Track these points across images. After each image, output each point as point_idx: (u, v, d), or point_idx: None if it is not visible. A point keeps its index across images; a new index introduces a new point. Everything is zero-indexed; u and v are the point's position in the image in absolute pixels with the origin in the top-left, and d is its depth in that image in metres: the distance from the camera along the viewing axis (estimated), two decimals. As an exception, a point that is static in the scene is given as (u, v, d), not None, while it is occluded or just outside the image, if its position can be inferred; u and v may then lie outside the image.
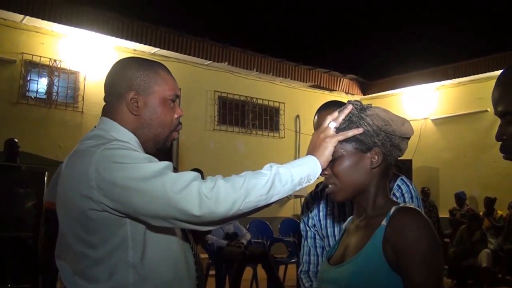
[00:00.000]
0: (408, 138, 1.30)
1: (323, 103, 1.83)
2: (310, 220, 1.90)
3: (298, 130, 10.91)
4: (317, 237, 1.88)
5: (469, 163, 9.42)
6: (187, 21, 10.14)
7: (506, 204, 7.94)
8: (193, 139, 9.14)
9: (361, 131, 1.25)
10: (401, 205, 1.22)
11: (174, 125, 1.49)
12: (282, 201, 10.25)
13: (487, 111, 9.04)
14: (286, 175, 1.24)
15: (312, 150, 1.29)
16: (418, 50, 12.49)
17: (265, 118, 10.49)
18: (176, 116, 1.49)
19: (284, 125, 10.73)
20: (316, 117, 1.78)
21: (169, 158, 8.47)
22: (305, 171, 1.25)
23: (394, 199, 1.68)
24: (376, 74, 11.69)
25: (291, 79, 10.56)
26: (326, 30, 15.25)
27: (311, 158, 1.27)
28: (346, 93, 11.49)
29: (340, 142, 1.26)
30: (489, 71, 9.02)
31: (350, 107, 1.29)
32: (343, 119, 1.28)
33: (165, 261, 1.38)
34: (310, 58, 10.91)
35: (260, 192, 1.21)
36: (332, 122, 1.29)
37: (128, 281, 1.31)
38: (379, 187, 1.28)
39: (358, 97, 11.44)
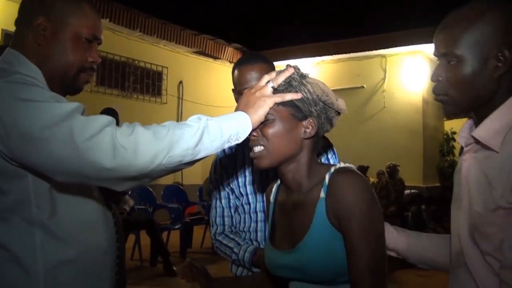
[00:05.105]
0: (339, 114, 1.25)
1: (241, 59, 1.72)
2: (225, 178, 1.79)
3: (181, 97, 10.68)
4: (231, 196, 1.79)
5: (344, 136, 10.05)
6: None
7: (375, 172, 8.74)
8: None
9: (299, 97, 1.17)
10: (332, 169, 1.17)
11: (84, 67, 1.30)
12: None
13: (363, 87, 9.75)
14: (216, 130, 1.11)
15: (245, 107, 1.18)
16: (302, 24, 12.93)
17: (147, 82, 10.06)
18: (90, 59, 1.30)
19: (166, 91, 10.42)
20: (236, 71, 1.67)
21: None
22: (235, 127, 1.14)
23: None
24: (260, 45, 11.85)
25: (176, 43, 10.22)
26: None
27: (243, 114, 1.16)
28: (230, 62, 11.48)
29: (276, 104, 1.17)
30: (368, 50, 9.68)
31: (291, 70, 1.20)
32: (283, 81, 1.19)
33: (80, 222, 1.22)
34: (196, 23, 10.69)
35: (187, 145, 1.07)
36: (270, 81, 1.20)
37: (35, 242, 1.14)
38: (310, 158, 1.22)
39: (241, 66, 11.46)
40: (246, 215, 1.75)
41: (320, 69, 10.91)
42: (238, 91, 1.63)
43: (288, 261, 1.18)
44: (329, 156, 1.77)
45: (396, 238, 1.34)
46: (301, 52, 10.79)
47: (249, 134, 1.17)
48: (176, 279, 4.93)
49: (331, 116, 1.22)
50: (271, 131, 1.16)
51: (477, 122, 1.11)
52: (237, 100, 1.59)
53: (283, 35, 12.11)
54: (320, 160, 1.70)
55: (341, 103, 1.23)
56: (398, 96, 10.42)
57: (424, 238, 1.35)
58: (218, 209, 1.80)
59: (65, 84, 1.27)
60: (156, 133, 1.05)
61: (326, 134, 1.69)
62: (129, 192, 6.35)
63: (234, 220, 1.79)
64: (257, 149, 1.19)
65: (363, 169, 8.40)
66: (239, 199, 1.77)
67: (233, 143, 1.14)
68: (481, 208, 1.04)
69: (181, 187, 8.07)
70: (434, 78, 1.13)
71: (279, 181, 1.35)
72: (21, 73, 1.17)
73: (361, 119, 9.96)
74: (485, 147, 1.07)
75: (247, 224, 1.74)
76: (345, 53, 10.26)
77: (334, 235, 1.11)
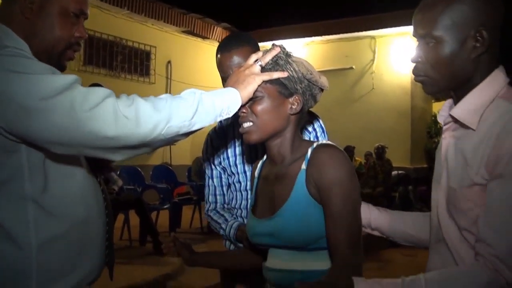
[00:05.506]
0: (322, 91, 1.32)
1: (222, 43, 1.69)
2: (216, 158, 1.83)
3: (169, 77, 10.61)
4: (223, 176, 1.84)
5: (333, 117, 10.11)
6: None
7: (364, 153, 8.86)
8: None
9: (286, 75, 1.24)
10: (315, 144, 1.24)
11: (71, 42, 1.30)
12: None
13: (352, 68, 9.77)
14: (209, 103, 1.15)
15: (234, 83, 1.22)
16: (292, 4, 12.84)
17: (135, 61, 9.99)
18: (77, 34, 1.30)
19: (155, 70, 10.34)
20: (218, 57, 1.66)
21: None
22: (227, 102, 1.18)
23: (307, 133, 1.74)
24: (249, 25, 11.78)
25: (164, 22, 10.13)
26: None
27: (233, 89, 1.20)
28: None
29: (264, 82, 1.23)
30: (358, 31, 9.67)
31: (277, 49, 1.26)
32: (270, 60, 1.25)
33: (71, 196, 1.24)
34: (184, 1, 10.59)
35: (184, 117, 1.11)
36: (258, 60, 1.25)
37: (28, 217, 1.15)
38: (295, 132, 1.29)
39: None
40: (238, 193, 1.81)
41: (309, 49, 10.88)
42: (222, 78, 1.64)
43: (266, 228, 1.25)
44: (317, 128, 1.77)
45: (379, 217, 1.37)
46: (290, 33, 10.76)
47: (239, 111, 1.22)
48: (165, 258, 4.97)
49: (315, 93, 1.29)
50: (259, 107, 1.23)
51: (456, 101, 1.13)
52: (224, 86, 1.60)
53: (273, 15, 12.04)
54: (308, 130, 1.76)
55: (324, 80, 1.30)
56: (387, 77, 10.46)
57: (406, 216, 1.39)
58: (210, 188, 1.87)
59: (52, 61, 1.27)
60: (155, 104, 1.09)
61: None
62: (118, 172, 6.36)
63: (227, 197, 1.86)
64: (247, 124, 1.25)
65: (350, 149, 8.51)
66: (231, 177, 1.83)
67: (224, 117, 1.19)
68: (458, 184, 1.07)
69: (170, 167, 8.10)
70: (414, 59, 1.15)
71: (264, 158, 1.41)
72: (10, 46, 1.16)
73: (350, 100, 10.08)
74: (463, 125, 1.10)
75: (238, 202, 1.81)
76: (335, 34, 10.30)
77: (310, 204, 1.19)
